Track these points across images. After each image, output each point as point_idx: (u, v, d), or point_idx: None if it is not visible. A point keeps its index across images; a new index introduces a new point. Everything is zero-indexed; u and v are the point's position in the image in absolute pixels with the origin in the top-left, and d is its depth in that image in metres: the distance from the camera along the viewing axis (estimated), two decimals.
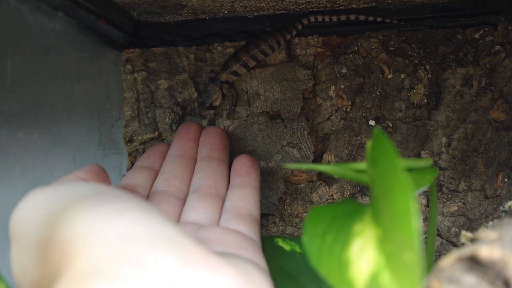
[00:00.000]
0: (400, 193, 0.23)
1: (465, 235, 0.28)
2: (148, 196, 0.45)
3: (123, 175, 0.48)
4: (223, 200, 0.45)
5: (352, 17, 0.52)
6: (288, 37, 0.53)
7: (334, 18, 0.52)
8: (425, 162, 0.40)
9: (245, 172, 0.46)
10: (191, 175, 0.48)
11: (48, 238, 0.24)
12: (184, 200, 0.45)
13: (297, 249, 0.43)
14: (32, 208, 0.27)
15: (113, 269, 0.21)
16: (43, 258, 0.24)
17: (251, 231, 0.40)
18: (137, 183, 0.45)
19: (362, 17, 0.52)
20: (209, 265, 0.24)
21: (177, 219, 0.43)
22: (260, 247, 0.38)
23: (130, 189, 0.44)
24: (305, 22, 0.52)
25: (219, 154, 0.49)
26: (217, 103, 0.53)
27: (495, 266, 0.22)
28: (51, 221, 0.25)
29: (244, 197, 0.44)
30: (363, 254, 0.25)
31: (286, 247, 0.45)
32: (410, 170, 0.38)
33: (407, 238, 0.21)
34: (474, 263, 0.22)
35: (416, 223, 0.21)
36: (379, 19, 0.52)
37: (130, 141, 0.55)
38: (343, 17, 0.52)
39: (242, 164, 0.47)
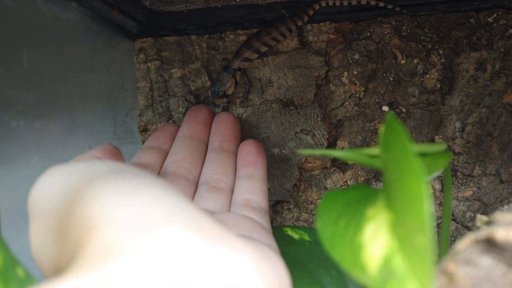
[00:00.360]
0: (412, 177, 0.23)
1: (481, 218, 0.28)
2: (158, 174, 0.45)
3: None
4: (231, 191, 0.45)
5: (363, 2, 0.52)
6: (300, 23, 0.52)
7: (345, 3, 0.52)
8: (439, 146, 0.40)
9: (251, 162, 0.46)
10: (200, 157, 0.48)
11: (67, 214, 0.25)
12: (194, 182, 0.45)
13: (306, 237, 0.44)
14: (51, 185, 0.27)
15: (134, 244, 0.21)
16: (62, 234, 0.25)
17: (263, 220, 0.40)
18: (147, 163, 0.45)
19: (373, 2, 0.51)
20: (228, 242, 0.24)
21: (189, 198, 0.43)
22: (271, 233, 0.38)
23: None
24: (317, 7, 0.52)
25: (229, 146, 0.49)
26: (230, 91, 0.53)
27: (511, 247, 0.22)
28: (70, 198, 0.25)
29: (252, 189, 0.44)
30: (376, 238, 0.25)
31: (295, 235, 0.45)
32: (423, 155, 0.38)
33: (419, 222, 0.22)
34: (490, 245, 0.22)
35: (428, 207, 0.21)
36: (389, 6, 0.52)
37: (144, 130, 0.56)
38: (354, 2, 0.52)
39: (248, 152, 0.47)
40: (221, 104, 0.55)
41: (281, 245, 0.37)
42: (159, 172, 0.46)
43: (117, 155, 0.38)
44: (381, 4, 0.51)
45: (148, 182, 0.25)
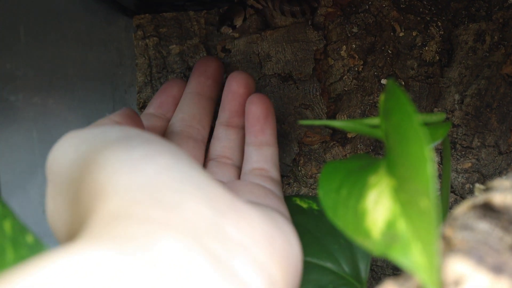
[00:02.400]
0: (415, 141, 0.23)
1: (479, 187, 0.28)
2: (163, 136, 0.45)
3: None
4: (239, 167, 0.45)
5: None
6: (315, 5, 0.52)
7: None
8: (438, 116, 0.40)
9: (260, 129, 0.45)
10: (209, 115, 0.47)
11: (79, 179, 0.25)
12: (203, 143, 0.45)
13: (314, 206, 0.44)
14: (66, 149, 0.28)
15: (143, 211, 0.21)
16: (74, 198, 0.25)
17: (275, 188, 0.40)
18: (151, 128, 0.45)
19: None
20: (237, 211, 0.24)
21: (199, 162, 0.43)
22: (284, 201, 0.38)
23: None
24: None
25: (237, 121, 0.47)
26: (237, 23, 0.53)
27: (508, 211, 0.22)
28: (84, 163, 0.25)
29: (262, 159, 0.44)
30: (379, 204, 0.25)
31: (304, 205, 0.45)
32: (424, 124, 0.38)
33: (423, 185, 0.22)
34: (488, 210, 0.23)
35: (431, 170, 0.22)
36: None
37: (143, 106, 0.56)
38: None
39: (256, 118, 0.45)
40: (226, 34, 0.54)
41: (291, 215, 0.37)
42: (166, 131, 0.45)
43: (136, 119, 0.38)
44: None
45: (161, 149, 0.25)
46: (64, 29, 0.44)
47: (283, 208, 0.36)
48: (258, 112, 0.45)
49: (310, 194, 0.54)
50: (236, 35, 0.55)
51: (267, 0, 0.52)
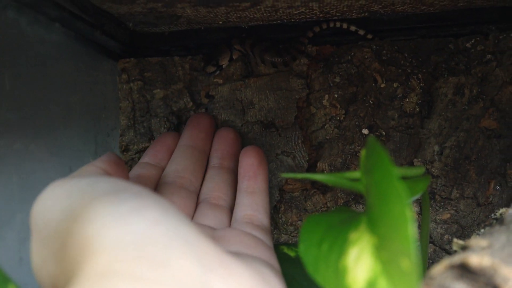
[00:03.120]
0: (396, 200, 0.24)
1: (457, 242, 0.28)
2: (156, 186, 0.45)
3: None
4: (231, 210, 0.45)
5: (337, 25, 0.52)
6: (302, 48, 0.53)
7: (345, 26, 0.53)
8: (417, 170, 0.41)
9: (252, 175, 0.46)
10: (201, 167, 0.48)
11: (67, 233, 0.24)
12: (195, 193, 0.45)
13: None
14: (53, 201, 0.27)
15: (131, 269, 0.21)
16: (61, 252, 0.25)
17: (265, 238, 0.40)
18: (146, 177, 0.45)
19: (345, 26, 0.53)
20: (225, 267, 0.24)
21: (190, 214, 0.43)
22: (274, 251, 0.38)
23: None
24: (317, 30, 0.53)
25: (229, 163, 0.49)
26: (223, 63, 0.54)
27: (485, 273, 0.22)
28: (71, 216, 0.25)
29: (254, 205, 0.44)
30: (360, 261, 0.25)
31: (291, 253, 0.45)
32: (403, 178, 0.38)
33: (404, 245, 0.22)
34: (465, 270, 0.23)
35: (412, 230, 0.22)
36: (360, 31, 0.53)
37: (126, 150, 0.56)
38: (325, 26, 0.53)
39: (250, 165, 0.46)
40: (212, 74, 0.55)
41: (279, 263, 0.37)
42: (160, 181, 0.45)
43: (120, 165, 0.38)
44: (352, 28, 0.53)
45: (149, 203, 0.25)
46: (50, 73, 0.44)
47: (273, 259, 0.36)
48: (251, 160, 0.47)
49: (290, 241, 0.54)
50: (220, 81, 0.56)
51: (247, 48, 0.53)
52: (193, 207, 0.44)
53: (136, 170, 0.46)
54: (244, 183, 0.46)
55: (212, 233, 0.38)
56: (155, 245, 0.22)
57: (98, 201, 0.25)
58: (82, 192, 0.27)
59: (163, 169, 0.48)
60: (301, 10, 0.47)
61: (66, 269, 0.24)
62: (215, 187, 0.46)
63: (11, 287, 0.22)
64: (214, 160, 0.49)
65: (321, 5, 0.45)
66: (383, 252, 0.24)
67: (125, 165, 0.39)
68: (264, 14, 0.48)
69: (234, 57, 0.54)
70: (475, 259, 0.23)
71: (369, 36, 0.53)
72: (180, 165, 0.47)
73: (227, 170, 0.48)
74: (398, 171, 0.38)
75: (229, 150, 0.50)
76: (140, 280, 0.21)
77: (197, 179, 0.47)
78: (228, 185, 0.47)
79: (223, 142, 0.50)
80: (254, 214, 0.43)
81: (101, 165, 0.36)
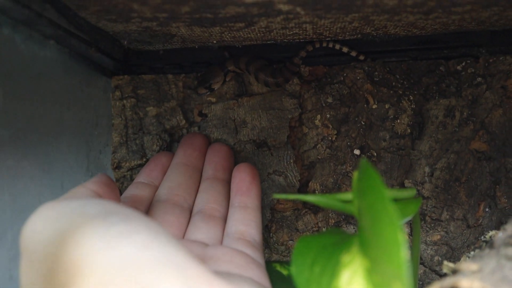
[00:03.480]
0: (388, 224, 0.24)
1: (447, 265, 0.28)
2: (150, 204, 0.45)
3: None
4: (225, 221, 0.46)
5: (329, 45, 0.53)
6: (296, 69, 0.54)
7: (337, 47, 0.53)
8: (409, 192, 0.41)
9: (245, 190, 0.46)
10: (195, 184, 0.48)
11: (55, 256, 0.24)
12: (188, 210, 0.45)
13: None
14: (42, 224, 0.27)
15: None
16: (50, 276, 0.25)
17: (256, 255, 0.40)
18: (140, 197, 0.45)
19: (337, 47, 0.53)
20: None
21: (183, 231, 0.43)
22: (265, 269, 0.38)
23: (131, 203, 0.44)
24: (310, 49, 0.53)
25: (223, 175, 0.49)
26: (215, 86, 0.54)
27: None
28: (59, 240, 0.25)
29: (245, 221, 0.44)
30: (352, 284, 0.26)
31: (284, 271, 0.45)
32: (395, 200, 0.38)
33: (396, 269, 0.22)
34: None
35: (404, 254, 0.22)
36: (353, 53, 0.54)
37: (118, 167, 0.56)
38: (318, 45, 0.53)
39: (242, 180, 0.47)
40: (202, 95, 0.55)
41: (271, 281, 0.37)
42: (153, 199, 0.46)
43: (112, 186, 0.38)
44: (344, 50, 0.53)
45: (138, 228, 0.25)
46: (43, 90, 0.44)
47: (264, 278, 0.36)
48: (244, 175, 0.47)
49: (281, 261, 0.54)
50: (213, 100, 0.56)
51: (242, 66, 0.53)
52: (186, 224, 0.44)
53: (130, 190, 0.46)
54: (237, 199, 0.46)
55: (203, 252, 0.38)
56: (143, 268, 0.22)
57: (87, 225, 0.25)
58: (72, 214, 0.27)
59: (157, 188, 0.48)
60: (294, 31, 0.47)
61: None
62: (209, 198, 0.46)
63: None
64: (208, 172, 0.49)
65: (314, 26, 0.46)
66: (375, 275, 0.24)
67: (116, 186, 0.39)
68: (258, 34, 0.48)
69: (227, 79, 0.55)
70: (466, 283, 0.23)
71: (361, 57, 0.54)
72: (173, 183, 0.47)
73: (221, 182, 0.49)
74: (390, 194, 0.38)
75: (223, 163, 0.50)
76: None
77: (191, 196, 0.47)
78: (222, 196, 0.47)
79: (216, 155, 0.51)
80: (246, 229, 0.43)
81: (92, 187, 0.36)
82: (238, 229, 0.43)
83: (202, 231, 0.43)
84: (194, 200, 0.47)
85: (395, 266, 0.22)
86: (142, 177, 0.49)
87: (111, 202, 0.29)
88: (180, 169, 0.48)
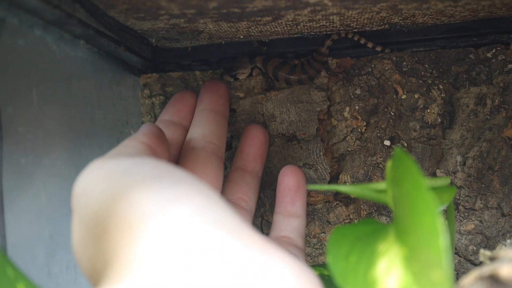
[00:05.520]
0: (426, 211, 0.24)
1: (484, 253, 0.28)
2: (181, 149, 0.44)
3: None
4: (252, 214, 0.46)
5: (355, 37, 0.53)
6: (324, 59, 0.54)
7: (356, 37, 0.53)
8: (442, 181, 0.41)
9: (290, 201, 0.46)
10: (225, 133, 0.47)
11: (108, 215, 0.24)
12: (222, 160, 0.45)
13: (325, 272, 0.44)
14: (94, 180, 0.27)
15: (173, 257, 0.21)
16: (101, 234, 0.25)
17: (298, 255, 0.40)
18: (170, 139, 0.44)
19: (363, 40, 0.53)
20: (268, 248, 0.24)
21: (221, 184, 0.43)
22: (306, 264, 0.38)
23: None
24: (336, 37, 0.53)
25: (254, 166, 0.49)
26: (241, 77, 0.54)
27: None
28: (112, 198, 0.25)
29: (288, 229, 0.44)
30: (390, 273, 0.25)
31: (316, 272, 0.45)
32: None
33: (435, 256, 0.22)
34: (495, 281, 0.23)
35: (443, 241, 0.22)
36: (369, 44, 0.53)
37: None
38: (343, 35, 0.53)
39: (288, 190, 0.47)
40: (228, 81, 0.56)
41: None
42: (187, 145, 0.45)
43: (162, 138, 0.37)
44: (362, 42, 0.53)
45: (193, 191, 0.25)
46: (74, 90, 0.44)
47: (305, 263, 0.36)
48: (290, 183, 0.47)
49: (313, 254, 0.54)
50: (241, 95, 0.56)
51: (259, 65, 0.54)
52: (222, 176, 0.44)
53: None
54: (282, 207, 0.46)
55: None
56: (197, 233, 0.22)
57: (140, 186, 0.24)
58: (124, 173, 0.26)
59: (186, 129, 0.47)
60: (321, 23, 0.47)
61: (105, 252, 0.24)
62: (238, 190, 0.46)
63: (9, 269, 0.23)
64: (239, 162, 0.49)
65: (341, 18, 0.46)
66: (414, 263, 0.24)
67: (166, 137, 0.38)
68: (285, 28, 0.48)
69: (253, 74, 0.55)
70: (506, 270, 0.22)
71: (378, 48, 0.53)
72: (206, 130, 0.45)
73: (251, 174, 0.49)
74: (427, 182, 0.38)
75: (255, 153, 0.50)
76: (182, 267, 0.21)
77: (223, 145, 0.46)
78: (251, 189, 0.47)
79: (250, 144, 0.50)
80: (289, 236, 0.43)
81: (143, 139, 0.35)
82: (281, 235, 0.43)
83: None
84: (225, 150, 0.47)
85: (434, 253, 0.22)
86: (169, 115, 0.48)
87: (163, 162, 0.28)
88: (210, 116, 0.47)
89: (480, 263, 0.50)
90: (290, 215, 0.45)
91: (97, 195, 0.26)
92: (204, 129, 0.46)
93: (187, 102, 0.49)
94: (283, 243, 0.42)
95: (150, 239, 0.22)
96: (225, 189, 0.47)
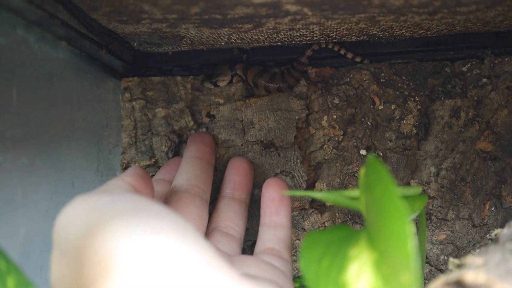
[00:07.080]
0: (396, 216, 0.24)
1: (453, 262, 0.29)
2: (168, 194, 0.45)
3: None
4: (242, 241, 0.46)
5: (335, 48, 0.54)
6: (304, 69, 0.54)
7: (336, 48, 0.54)
8: (415, 190, 0.42)
9: (274, 210, 0.47)
10: (210, 178, 0.48)
11: (84, 250, 0.25)
12: (207, 203, 0.45)
13: (306, 283, 0.44)
14: (74, 216, 0.27)
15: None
16: (78, 268, 0.25)
17: (284, 267, 0.40)
18: (162, 194, 0.45)
19: (343, 51, 0.54)
20: (243, 284, 0.24)
21: (204, 224, 0.43)
22: (292, 281, 0.38)
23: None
24: (316, 48, 0.54)
25: (240, 194, 0.50)
26: (221, 84, 0.55)
27: None
28: (89, 232, 0.25)
29: (275, 240, 0.44)
30: (360, 277, 0.26)
31: (296, 284, 0.46)
32: (401, 197, 0.39)
33: (404, 260, 0.22)
34: (461, 287, 0.23)
35: (412, 245, 0.22)
36: (349, 55, 0.55)
37: (126, 167, 0.56)
38: (326, 45, 0.54)
39: (272, 200, 0.47)
40: (205, 88, 0.57)
41: None
42: (172, 189, 0.45)
43: (146, 179, 0.38)
44: (342, 52, 0.54)
45: (169, 224, 0.25)
46: (55, 91, 0.45)
47: (289, 285, 0.36)
48: (273, 194, 0.47)
49: None
50: (221, 101, 0.56)
51: (240, 72, 0.55)
52: (206, 217, 0.44)
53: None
54: (266, 218, 0.47)
55: (228, 258, 0.39)
56: (171, 267, 0.23)
57: (116, 220, 0.25)
58: (102, 209, 0.27)
59: None
60: (302, 33, 0.48)
61: (81, 285, 0.24)
62: (226, 217, 0.47)
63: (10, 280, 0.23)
64: (226, 191, 0.50)
65: (321, 28, 0.46)
66: (384, 266, 0.25)
67: (150, 179, 0.39)
68: (266, 36, 0.49)
69: (234, 81, 0.55)
70: (471, 276, 0.23)
71: (357, 59, 0.55)
72: (190, 174, 0.47)
73: (238, 201, 0.49)
74: (398, 189, 0.38)
75: (241, 181, 0.51)
76: None
77: (208, 189, 0.47)
78: (239, 216, 0.48)
79: (236, 173, 0.51)
80: (275, 248, 0.43)
81: (128, 179, 0.36)
82: (267, 247, 0.44)
83: (222, 244, 0.43)
84: (210, 194, 0.47)
85: (403, 256, 0.23)
86: (162, 175, 0.50)
87: (141, 197, 0.29)
88: (195, 162, 0.48)
89: (451, 271, 0.51)
90: (275, 225, 0.46)
91: (76, 230, 0.26)
92: (189, 173, 0.47)
93: (178, 163, 0.50)
94: (268, 255, 0.42)
95: (122, 277, 0.22)
96: (212, 217, 0.48)
